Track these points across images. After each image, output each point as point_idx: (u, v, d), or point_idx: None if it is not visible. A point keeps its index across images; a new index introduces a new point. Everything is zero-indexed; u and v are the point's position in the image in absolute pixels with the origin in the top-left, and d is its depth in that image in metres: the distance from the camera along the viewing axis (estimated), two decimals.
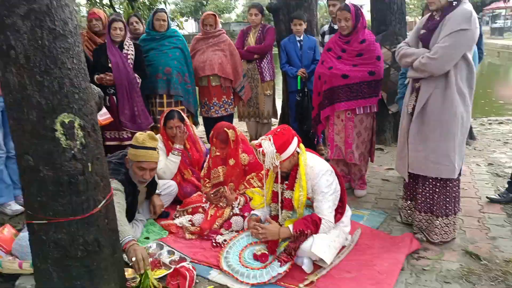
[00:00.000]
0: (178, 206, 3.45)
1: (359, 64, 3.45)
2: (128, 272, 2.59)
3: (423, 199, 2.90)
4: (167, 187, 3.41)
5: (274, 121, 6.66)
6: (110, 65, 4.06)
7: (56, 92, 1.72)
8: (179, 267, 2.50)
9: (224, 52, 4.66)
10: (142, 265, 2.20)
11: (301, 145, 2.72)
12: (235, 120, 6.15)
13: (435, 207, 2.84)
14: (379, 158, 4.73)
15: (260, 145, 2.56)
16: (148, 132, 2.93)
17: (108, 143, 4.30)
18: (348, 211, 2.91)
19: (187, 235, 3.06)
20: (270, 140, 2.55)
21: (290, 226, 2.58)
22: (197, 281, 2.55)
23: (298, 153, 2.68)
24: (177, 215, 3.34)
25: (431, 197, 2.86)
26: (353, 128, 3.61)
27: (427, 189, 2.87)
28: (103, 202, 1.95)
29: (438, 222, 2.83)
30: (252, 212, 2.90)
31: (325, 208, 2.58)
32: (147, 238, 3.07)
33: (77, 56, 1.79)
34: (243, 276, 2.52)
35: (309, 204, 2.69)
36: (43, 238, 1.87)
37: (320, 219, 2.57)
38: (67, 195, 1.82)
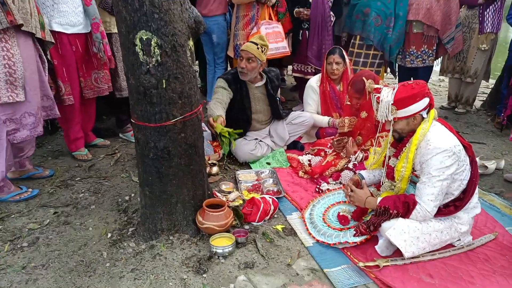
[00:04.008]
0: (312, 144, 3.15)
1: None
2: (229, 186, 2.60)
3: None
4: (298, 117, 3.13)
5: (486, 84, 5.06)
6: (311, 0, 3.89)
7: (136, 10, 1.69)
8: (260, 197, 2.34)
9: None
10: (215, 118, 2.51)
11: (433, 111, 1.95)
12: (434, 75, 4.95)
13: None
14: None
15: (379, 90, 1.96)
16: (260, 35, 3.05)
17: (294, 74, 4.30)
18: (476, 209, 2.01)
19: (300, 172, 2.79)
20: (393, 89, 1.91)
21: (379, 199, 1.99)
22: (276, 216, 2.34)
23: (422, 118, 1.94)
24: (307, 152, 3.06)
25: None
26: None
27: None
28: (179, 118, 1.92)
29: None
30: (360, 171, 2.35)
31: (427, 193, 1.84)
32: (268, 163, 2.97)
33: None
34: (314, 229, 2.15)
35: (416, 181, 1.98)
36: (135, 133, 2.02)
37: (414, 203, 1.87)
38: (143, 104, 1.86)
